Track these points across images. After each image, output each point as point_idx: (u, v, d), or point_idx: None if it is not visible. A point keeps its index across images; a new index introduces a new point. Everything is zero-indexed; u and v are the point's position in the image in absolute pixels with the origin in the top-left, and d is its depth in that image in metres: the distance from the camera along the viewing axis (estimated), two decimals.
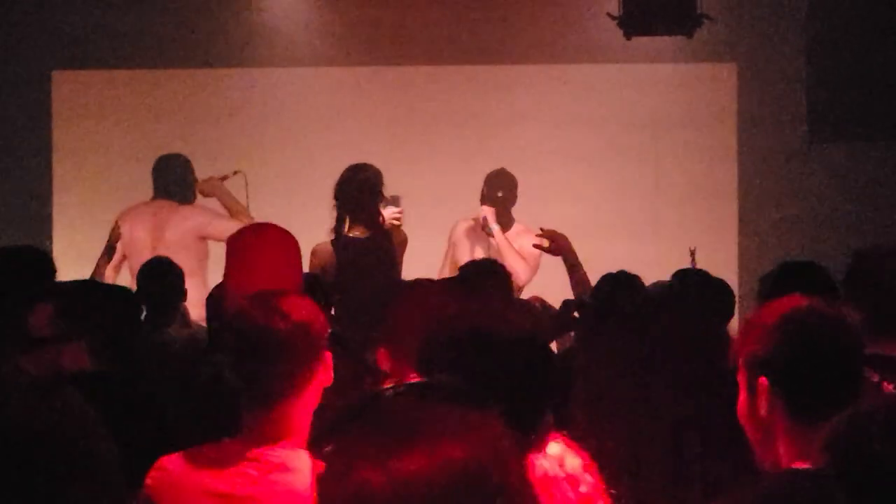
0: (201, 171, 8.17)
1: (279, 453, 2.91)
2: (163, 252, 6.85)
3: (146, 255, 6.85)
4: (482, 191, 7.81)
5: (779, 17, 9.06)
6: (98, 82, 9.45)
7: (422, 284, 3.56)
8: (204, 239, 7.65)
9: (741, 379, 2.62)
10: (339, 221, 6.96)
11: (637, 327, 3.52)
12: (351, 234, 6.93)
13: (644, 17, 8.03)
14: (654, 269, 6.13)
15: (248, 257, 3.91)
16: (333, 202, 7.00)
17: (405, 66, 9.27)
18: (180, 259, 6.57)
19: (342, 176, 7.04)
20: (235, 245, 4.00)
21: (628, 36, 8.15)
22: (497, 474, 1.53)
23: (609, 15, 7.99)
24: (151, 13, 9.14)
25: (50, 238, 9.17)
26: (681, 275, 5.34)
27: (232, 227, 7.38)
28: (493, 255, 7.42)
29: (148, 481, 2.96)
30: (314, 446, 2.66)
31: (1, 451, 2.43)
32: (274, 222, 4.19)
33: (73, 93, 9.48)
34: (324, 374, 2.97)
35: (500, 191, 7.75)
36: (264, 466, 2.89)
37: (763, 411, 2.56)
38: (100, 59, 9.28)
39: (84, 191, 9.34)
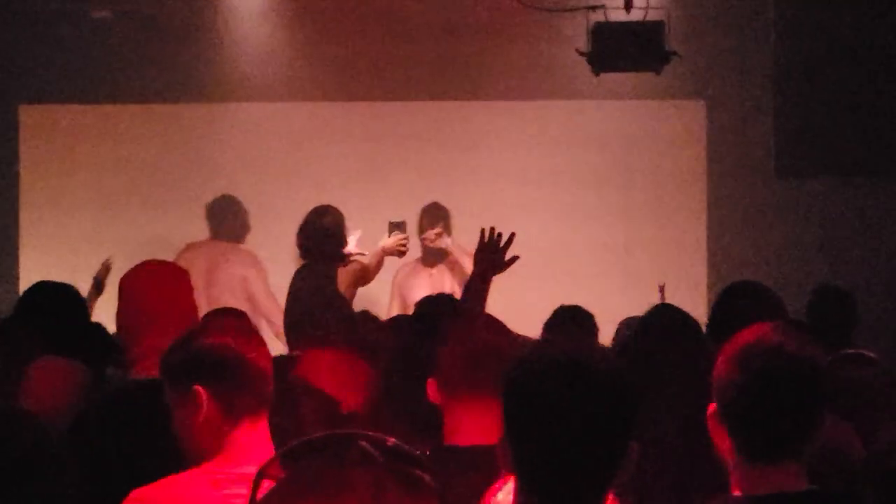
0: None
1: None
2: (214, 291, 7.07)
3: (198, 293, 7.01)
4: (420, 223, 7.98)
5: (746, 53, 9.12)
6: (65, 117, 9.42)
7: (467, 318, 3.62)
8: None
9: None
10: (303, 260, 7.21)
11: (638, 359, 3.52)
12: (304, 272, 7.15)
13: (613, 54, 8.07)
14: (624, 304, 6.14)
15: (143, 296, 3.95)
16: (297, 243, 7.21)
17: (376, 102, 9.28)
18: (227, 298, 6.85)
19: (305, 220, 7.25)
20: (128, 284, 4.02)
21: (597, 72, 8.18)
22: None
23: (578, 51, 8.02)
24: (119, 49, 9.12)
25: (16, 271, 9.12)
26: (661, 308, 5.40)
27: (269, 296, 7.60)
28: (441, 284, 7.66)
29: None
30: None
31: None
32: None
33: (39, 127, 9.44)
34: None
35: (440, 221, 8.00)
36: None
37: (717, 441, 2.55)
38: (67, 93, 9.25)
39: (50, 225, 9.29)
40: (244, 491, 2.83)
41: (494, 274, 4.81)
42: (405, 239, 7.56)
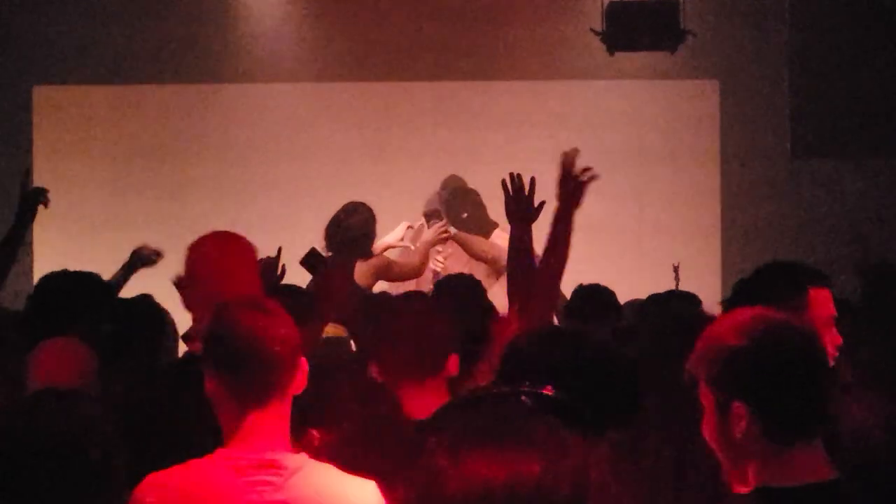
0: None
1: (295, 458, 2.85)
2: None
3: None
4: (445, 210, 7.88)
5: (761, 33, 9.08)
6: (79, 98, 9.42)
7: (405, 299, 3.62)
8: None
9: (705, 399, 2.51)
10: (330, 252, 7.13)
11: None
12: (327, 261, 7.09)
13: (627, 33, 8.04)
14: (638, 284, 6.12)
15: (211, 265, 3.80)
16: (324, 237, 7.12)
17: (388, 82, 9.26)
18: None
19: (334, 216, 7.14)
20: (193, 256, 3.86)
21: (611, 52, 8.15)
22: (572, 499, 1.54)
23: (592, 30, 7.99)
24: (131, 29, 9.11)
25: (30, 251, 9.11)
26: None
27: None
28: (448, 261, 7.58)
29: (151, 500, 2.80)
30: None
31: (23, 458, 2.42)
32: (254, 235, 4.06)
33: (53, 108, 9.44)
34: (301, 379, 2.94)
35: (463, 212, 7.84)
36: (286, 471, 2.82)
37: (738, 434, 2.46)
38: (81, 74, 9.25)
39: (64, 207, 9.28)
40: (267, 477, 2.79)
41: (528, 224, 4.35)
42: (444, 225, 7.55)
